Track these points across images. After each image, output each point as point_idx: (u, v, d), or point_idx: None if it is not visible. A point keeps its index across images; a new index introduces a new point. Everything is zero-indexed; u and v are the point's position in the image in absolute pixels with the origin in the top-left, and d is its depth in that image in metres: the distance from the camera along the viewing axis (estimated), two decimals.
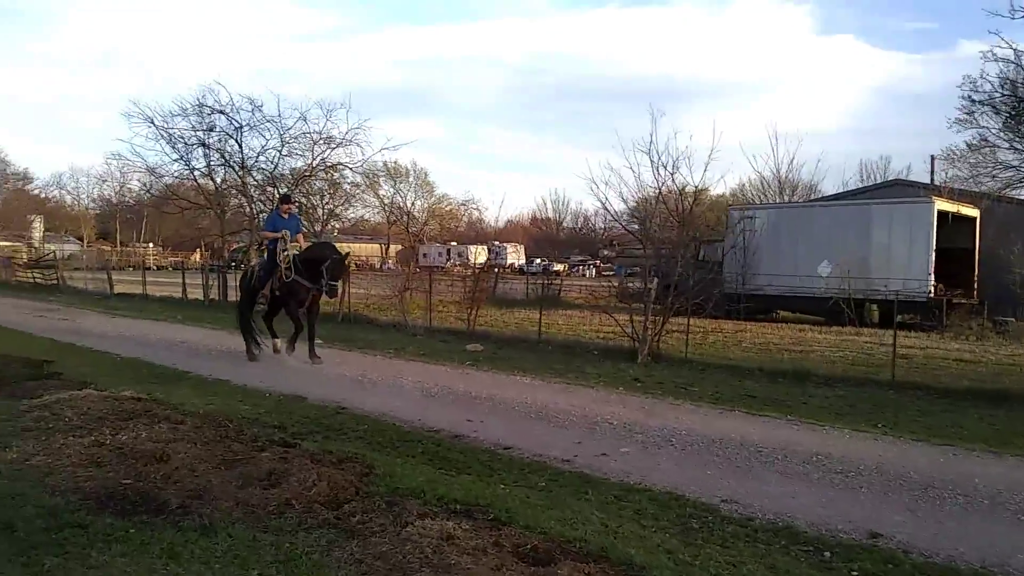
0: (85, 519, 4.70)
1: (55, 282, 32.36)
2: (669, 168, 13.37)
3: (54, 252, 43.36)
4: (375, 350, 13.78)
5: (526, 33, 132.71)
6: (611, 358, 13.15)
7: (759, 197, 43.36)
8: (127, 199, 79.81)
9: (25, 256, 46.32)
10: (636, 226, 19.31)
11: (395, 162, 21.93)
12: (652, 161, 13.46)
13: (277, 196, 16.95)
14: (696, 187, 13.69)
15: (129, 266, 49.59)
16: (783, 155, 42.48)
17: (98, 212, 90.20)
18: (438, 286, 20.75)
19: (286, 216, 12.47)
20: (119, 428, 6.91)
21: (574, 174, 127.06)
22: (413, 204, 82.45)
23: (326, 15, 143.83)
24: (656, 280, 14.50)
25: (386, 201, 71.50)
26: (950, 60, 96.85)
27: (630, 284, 31.04)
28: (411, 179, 74.51)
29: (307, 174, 22.28)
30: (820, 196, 39.75)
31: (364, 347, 14.16)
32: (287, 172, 22.50)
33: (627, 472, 6.35)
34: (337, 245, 14.16)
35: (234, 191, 22.71)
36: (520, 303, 23.93)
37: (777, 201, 40.21)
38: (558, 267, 63.67)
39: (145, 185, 29.03)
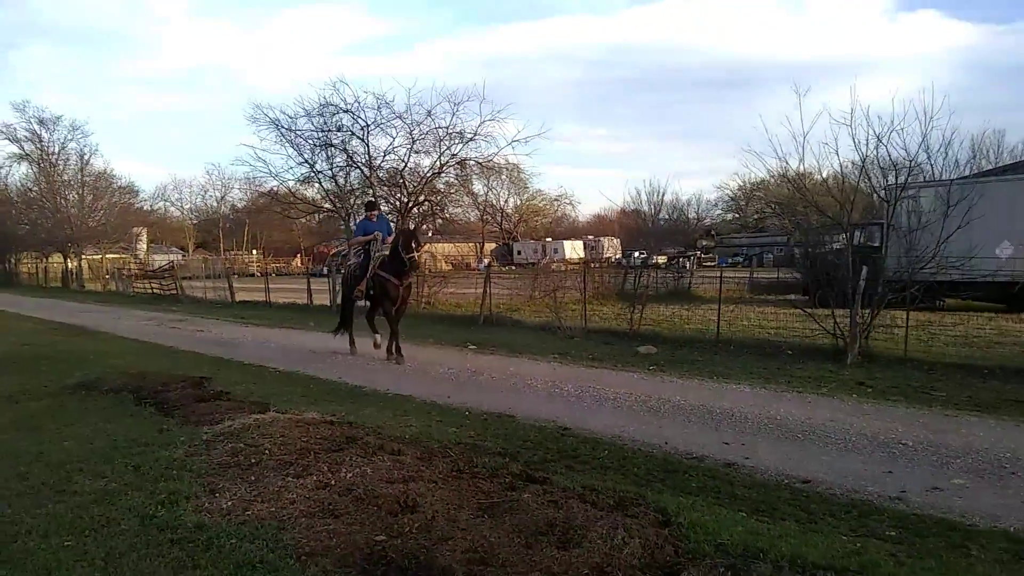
0: None
1: (174, 292, 31.95)
2: (874, 139, 11.68)
3: (173, 261, 43.46)
4: (541, 355, 12.52)
5: (599, 28, 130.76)
6: (812, 358, 11.62)
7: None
8: (226, 210, 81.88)
9: (134, 268, 46.74)
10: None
11: (487, 159, 20.46)
12: (852, 135, 11.79)
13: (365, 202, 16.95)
14: (910, 161, 11.94)
15: (234, 273, 49.93)
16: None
17: (196, 223, 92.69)
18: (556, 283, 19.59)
19: (375, 220, 13.44)
20: (335, 463, 5.85)
21: (663, 164, 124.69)
22: (507, 202, 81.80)
23: (394, 22, 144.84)
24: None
25: (480, 199, 70.73)
26: None
27: (761, 275, 29.54)
28: (503, 176, 73.33)
29: (437, 172, 21.09)
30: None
31: (524, 351, 12.94)
32: (415, 170, 21.34)
33: (995, 516, 4.91)
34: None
35: (358, 192, 21.69)
36: (651, 299, 22.38)
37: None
38: (658, 259, 61.47)
39: (266, 192, 28.29)
